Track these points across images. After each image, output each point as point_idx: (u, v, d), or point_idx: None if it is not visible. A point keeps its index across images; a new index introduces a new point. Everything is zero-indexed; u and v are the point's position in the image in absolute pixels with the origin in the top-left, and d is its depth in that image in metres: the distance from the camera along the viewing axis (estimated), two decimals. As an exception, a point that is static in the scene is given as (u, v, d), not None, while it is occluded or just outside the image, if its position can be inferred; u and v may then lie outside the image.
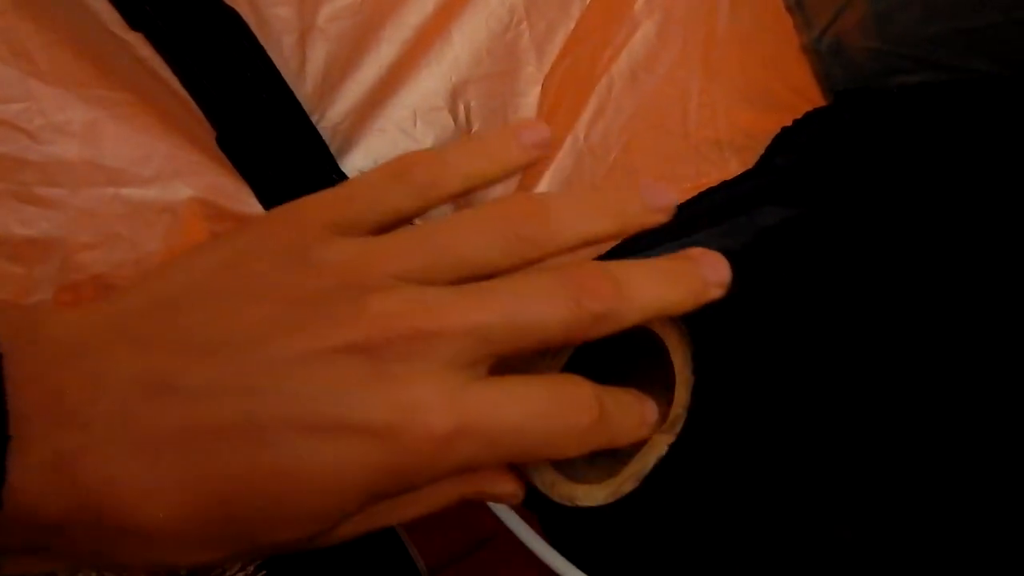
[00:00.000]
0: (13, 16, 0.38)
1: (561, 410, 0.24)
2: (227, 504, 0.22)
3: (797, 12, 0.59)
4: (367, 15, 0.47)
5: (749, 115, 0.60)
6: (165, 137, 0.43)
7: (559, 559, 0.38)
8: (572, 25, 0.53)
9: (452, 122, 0.51)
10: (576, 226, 0.25)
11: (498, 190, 0.55)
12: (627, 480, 0.30)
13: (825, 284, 0.55)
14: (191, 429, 0.22)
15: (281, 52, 0.45)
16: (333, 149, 0.49)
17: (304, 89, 0.47)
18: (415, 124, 0.50)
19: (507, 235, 0.24)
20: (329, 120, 0.48)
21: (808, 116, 0.59)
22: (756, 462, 0.50)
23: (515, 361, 0.25)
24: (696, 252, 0.27)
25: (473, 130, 0.52)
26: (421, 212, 0.25)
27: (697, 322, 0.29)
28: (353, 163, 0.49)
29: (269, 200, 0.46)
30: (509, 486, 0.27)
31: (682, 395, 0.30)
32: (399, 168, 0.26)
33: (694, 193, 0.58)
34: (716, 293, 0.26)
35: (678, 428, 0.31)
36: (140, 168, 0.42)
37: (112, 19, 0.40)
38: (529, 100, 0.53)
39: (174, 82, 0.42)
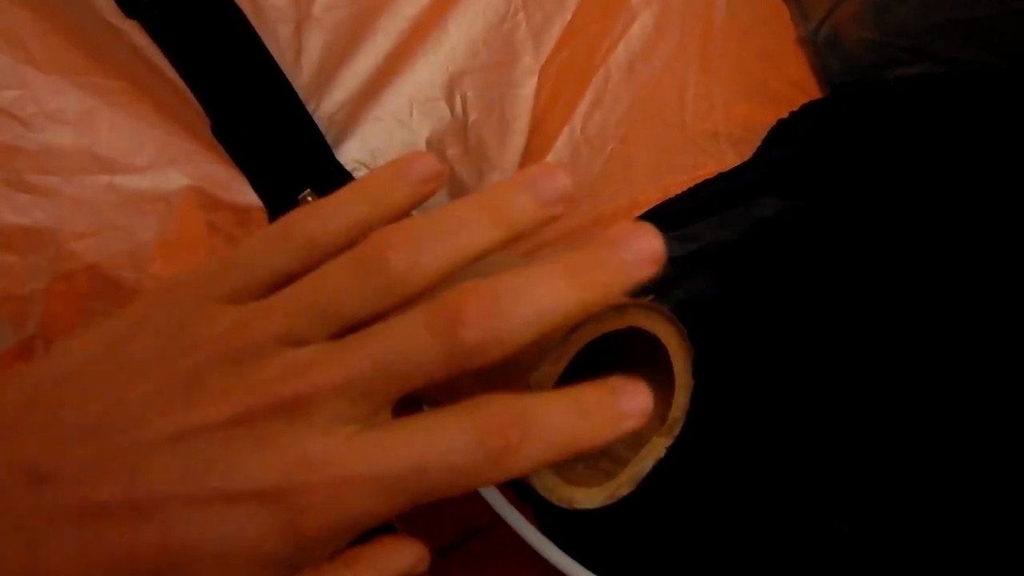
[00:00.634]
0: (7, 4, 0.38)
1: (466, 440, 0.22)
2: None
3: (794, 4, 0.59)
4: (363, 5, 0.47)
5: (746, 107, 0.60)
6: (160, 126, 0.43)
7: (553, 548, 0.38)
8: (569, 16, 0.53)
9: (449, 113, 0.51)
10: (446, 250, 0.23)
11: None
12: (624, 483, 0.30)
13: (821, 276, 0.55)
14: (71, 511, 0.22)
15: (277, 42, 0.45)
16: (329, 139, 0.49)
17: (300, 79, 0.46)
18: (411, 114, 0.50)
19: (376, 280, 0.23)
20: (325, 110, 0.48)
21: (804, 108, 0.59)
22: (751, 455, 0.50)
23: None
24: (614, 231, 0.23)
25: (470, 121, 0.52)
26: (309, 268, 0.24)
27: (692, 315, 0.29)
28: (349, 152, 0.49)
29: (264, 189, 0.46)
30: (412, 554, 0.24)
31: (681, 398, 0.30)
32: (280, 229, 0.25)
33: (691, 184, 0.58)
34: (644, 274, 0.23)
35: (676, 431, 0.31)
36: (134, 157, 0.42)
37: (107, 7, 0.40)
38: (526, 91, 0.53)
39: (169, 71, 0.42)
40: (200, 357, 0.23)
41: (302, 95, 0.47)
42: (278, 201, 0.46)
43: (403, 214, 0.25)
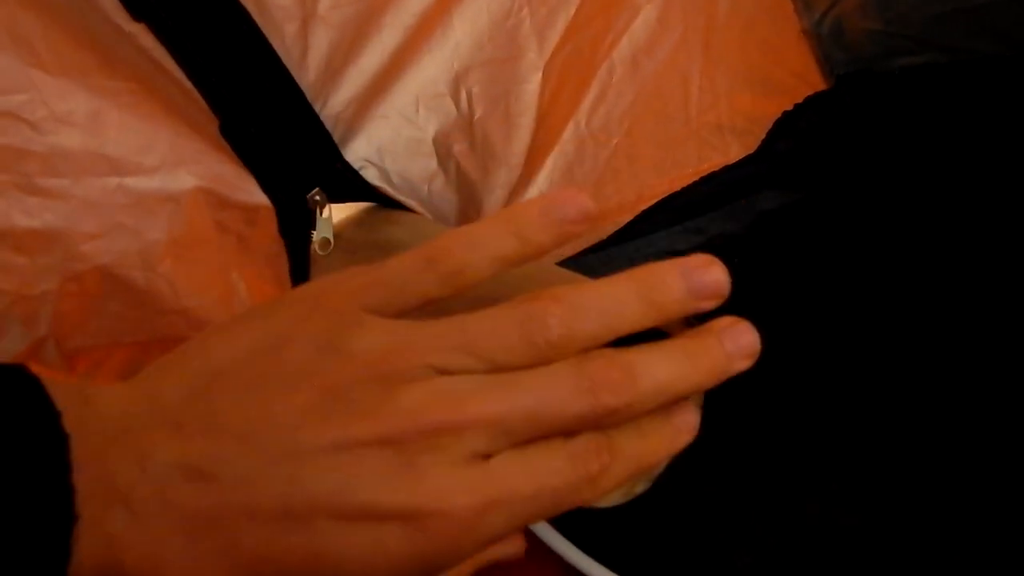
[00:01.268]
0: (15, 6, 0.38)
1: (570, 468, 0.25)
2: None
3: (797, -5, 0.59)
4: (368, 2, 0.47)
5: (750, 99, 0.60)
6: (168, 126, 0.43)
7: (568, 545, 0.38)
8: (573, 11, 0.53)
9: (455, 108, 0.51)
10: (599, 328, 0.25)
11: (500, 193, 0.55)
12: (639, 481, 0.31)
13: (824, 268, 0.55)
14: (228, 512, 0.23)
15: (283, 41, 0.45)
16: (336, 137, 0.49)
17: (306, 77, 0.47)
18: (417, 111, 0.50)
19: (534, 338, 0.25)
20: (332, 108, 0.48)
21: (809, 100, 0.59)
22: (760, 447, 0.50)
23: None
24: (721, 324, 0.26)
25: (476, 117, 0.52)
26: (449, 297, 0.26)
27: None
28: (356, 150, 0.49)
29: (272, 188, 0.46)
30: (515, 545, 0.30)
31: (697, 396, 0.31)
32: (430, 254, 0.26)
33: (696, 177, 0.58)
34: (742, 366, 0.26)
35: None
36: (143, 158, 0.42)
37: (114, 9, 0.40)
38: (531, 86, 0.53)
39: (177, 72, 0.42)
40: (356, 373, 0.24)
41: (308, 94, 0.47)
42: (286, 200, 0.46)
43: (548, 252, 0.27)
